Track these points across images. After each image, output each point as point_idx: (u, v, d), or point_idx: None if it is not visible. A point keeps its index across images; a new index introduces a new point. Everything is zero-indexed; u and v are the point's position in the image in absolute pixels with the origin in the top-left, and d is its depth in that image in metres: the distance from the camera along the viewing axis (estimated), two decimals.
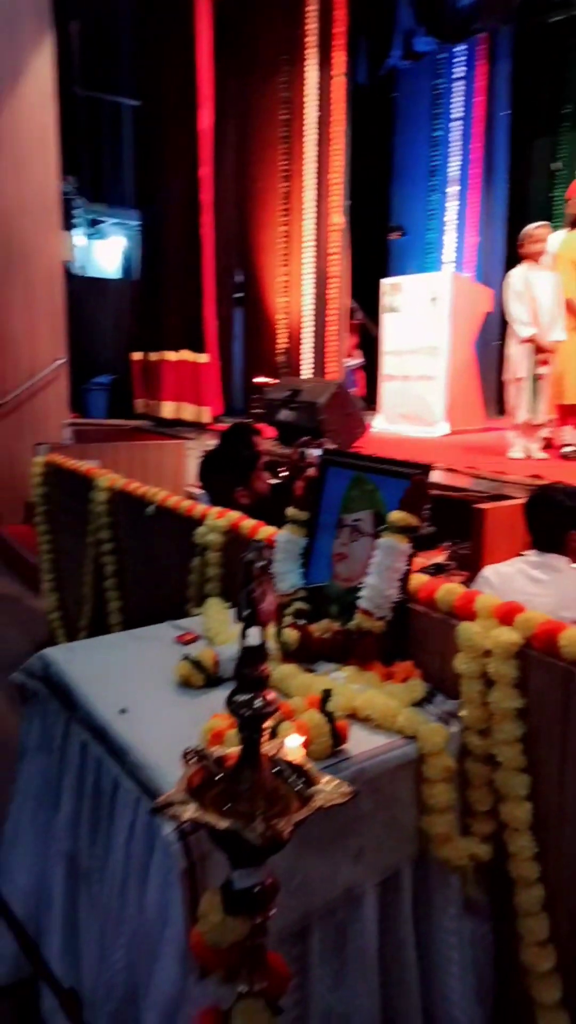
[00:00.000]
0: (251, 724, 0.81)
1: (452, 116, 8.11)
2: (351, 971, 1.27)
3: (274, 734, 1.04)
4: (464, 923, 1.39)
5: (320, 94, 6.52)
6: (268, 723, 0.83)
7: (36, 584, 4.30)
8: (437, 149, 8.32)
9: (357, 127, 6.80)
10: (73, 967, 1.44)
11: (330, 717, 1.29)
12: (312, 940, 1.24)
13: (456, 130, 8.09)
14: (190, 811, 0.78)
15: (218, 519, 2.23)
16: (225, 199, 6.91)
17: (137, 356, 7.48)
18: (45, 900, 1.55)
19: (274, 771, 0.87)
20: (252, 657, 0.81)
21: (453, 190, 8.19)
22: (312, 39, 6.48)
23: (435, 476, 3.91)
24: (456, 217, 8.20)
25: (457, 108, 8.05)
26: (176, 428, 6.59)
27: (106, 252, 9.58)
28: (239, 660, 0.82)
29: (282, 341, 7.04)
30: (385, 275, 7.08)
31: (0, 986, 1.73)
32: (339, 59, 6.46)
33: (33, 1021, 1.65)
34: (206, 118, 6.40)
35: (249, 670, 0.81)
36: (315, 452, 2.50)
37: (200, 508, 2.39)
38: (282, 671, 1.52)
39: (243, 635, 0.81)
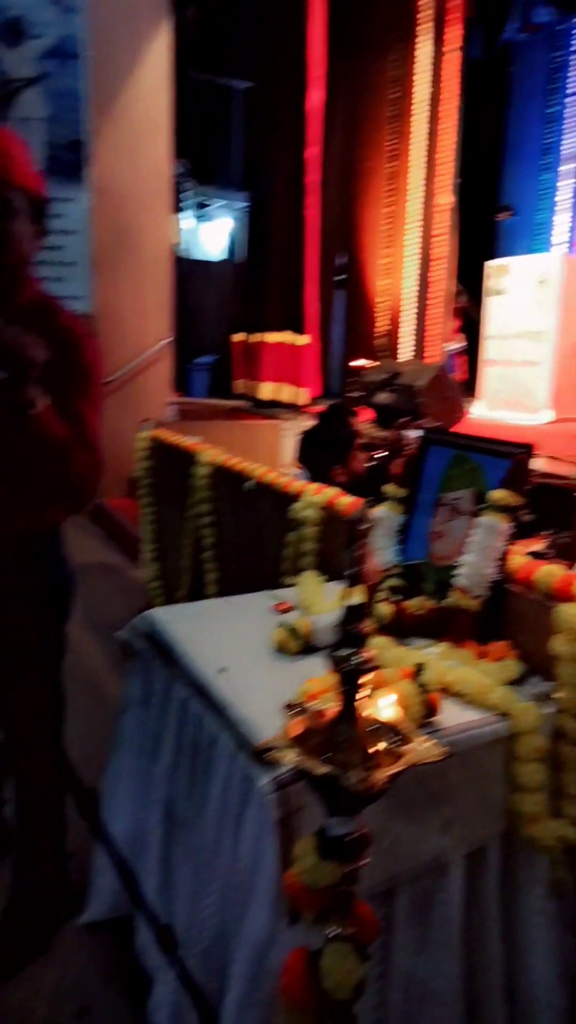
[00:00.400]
0: (350, 678, 0.85)
1: (569, 91, 7.75)
2: (434, 938, 1.29)
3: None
4: (550, 904, 1.39)
5: (432, 71, 6.38)
6: (366, 679, 0.86)
7: (136, 555, 4.49)
8: (552, 126, 7.98)
9: (469, 104, 6.61)
10: (166, 907, 1.53)
11: (422, 689, 1.31)
12: (397, 903, 1.27)
13: (573, 105, 7.73)
14: (291, 755, 0.82)
15: (315, 495, 2.27)
16: (331, 180, 6.89)
17: (238, 337, 7.60)
18: (142, 844, 1.65)
19: (369, 729, 0.90)
20: (354, 614, 0.84)
21: (567, 168, 7.84)
22: (426, 14, 6.33)
23: (536, 464, 3.80)
24: (570, 196, 7.85)
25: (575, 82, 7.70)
26: (273, 409, 6.67)
27: (212, 234, 9.74)
28: (342, 616, 0.85)
29: (382, 324, 6.98)
30: (492, 257, 6.87)
31: (98, 921, 1.85)
32: (453, 34, 6.29)
33: (126, 955, 1.76)
34: (316, 98, 6.39)
35: (351, 626, 0.85)
36: (414, 433, 2.49)
37: (297, 484, 2.44)
38: (376, 643, 1.54)
39: (346, 593, 0.84)
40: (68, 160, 5.85)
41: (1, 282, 1.53)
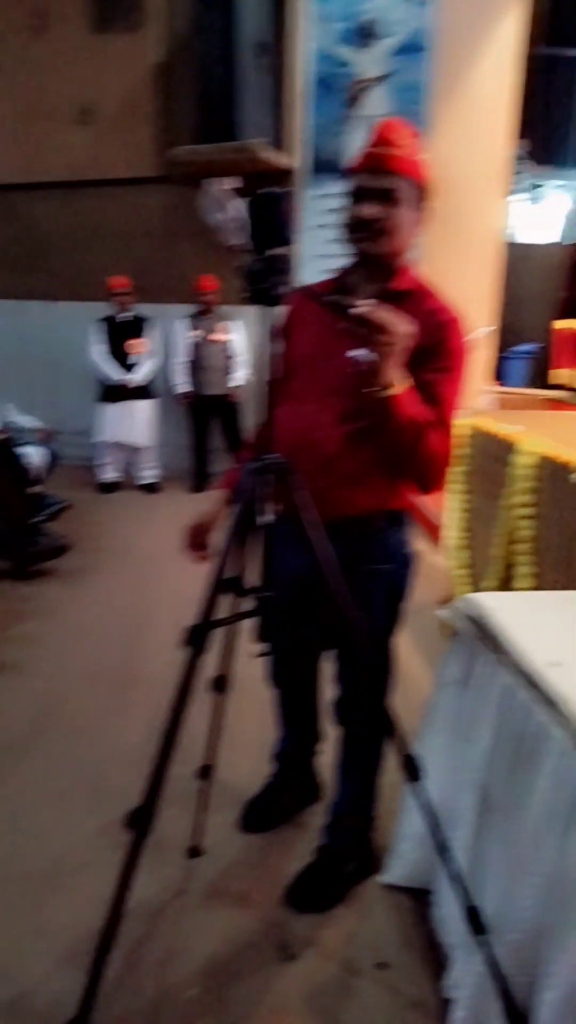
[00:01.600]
0: None
1: None
2: None
3: None
4: None
5: None
6: None
7: (437, 541, 4.49)
8: None
9: None
10: (474, 889, 1.52)
11: None
12: None
13: None
14: None
15: None
16: None
17: (562, 324, 7.16)
18: (451, 822, 1.65)
19: None
20: None
21: None
22: None
23: None
24: None
25: None
26: None
27: (544, 216, 9.24)
28: None
29: None
30: None
31: (397, 885, 1.92)
32: None
33: (423, 924, 1.80)
34: None
35: None
36: None
37: None
38: None
39: None
40: None
41: (380, 269, 1.61)
